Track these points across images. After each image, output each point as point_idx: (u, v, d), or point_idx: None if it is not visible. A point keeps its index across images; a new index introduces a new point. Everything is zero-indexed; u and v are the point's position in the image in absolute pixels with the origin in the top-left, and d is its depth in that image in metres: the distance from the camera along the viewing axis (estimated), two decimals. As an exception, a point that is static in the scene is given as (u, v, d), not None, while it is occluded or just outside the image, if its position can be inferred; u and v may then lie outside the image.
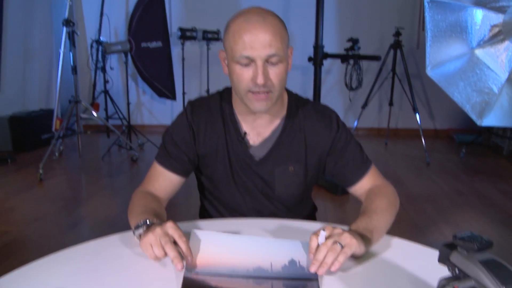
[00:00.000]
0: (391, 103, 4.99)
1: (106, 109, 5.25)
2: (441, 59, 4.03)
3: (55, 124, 4.20)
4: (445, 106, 5.44)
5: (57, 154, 4.44)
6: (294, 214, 1.34)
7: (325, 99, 5.43)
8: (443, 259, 0.69)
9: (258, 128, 1.26)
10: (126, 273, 0.91)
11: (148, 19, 4.99)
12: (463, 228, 2.84)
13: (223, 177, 1.29)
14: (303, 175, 1.28)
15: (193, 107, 1.28)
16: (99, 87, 5.32)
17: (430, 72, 3.82)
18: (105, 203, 3.28)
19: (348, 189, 1.30)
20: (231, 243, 1.01)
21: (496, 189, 3.66)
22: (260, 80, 1.08)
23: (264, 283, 0.87)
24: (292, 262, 0.94)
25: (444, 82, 3.98)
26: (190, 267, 0.92)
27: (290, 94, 1.30)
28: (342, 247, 0.92)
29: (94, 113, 4.36)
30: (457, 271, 0.66)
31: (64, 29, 4.08)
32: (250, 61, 1.09)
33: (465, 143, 4.82)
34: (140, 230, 1.01)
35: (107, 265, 0.94)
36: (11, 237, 2.70)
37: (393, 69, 4.73)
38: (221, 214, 1.37)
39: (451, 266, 0.67)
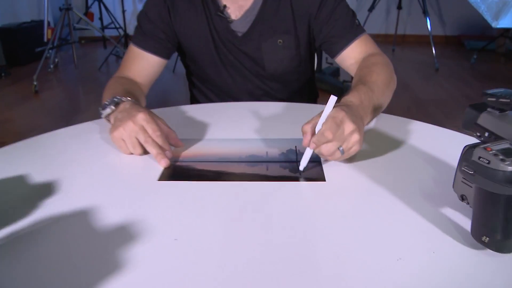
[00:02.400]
0: (399, 7, 4.71)
1: (101, 18, 5.01)
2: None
3: (47, 33, 3.99)
4: (456, 12, 5.17)
5: (52, 66, 4.30)
6: (292, 93, 1.24)
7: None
8: (468, 124, 0.59)
9: (238, 0, 1.11)
10: (100, 158, 0.83)
11: None
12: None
13: (207, 57, 1.17)
14: (295, 47, 1.15)
15: None
16: (92, -5, 5.04)
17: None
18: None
19: (336, 60, 1.13)
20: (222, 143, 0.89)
21: (506, 93, 3.53)
22: None
23: (258, 165, 0.78)
24: (290, 151, 0.84)
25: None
26: (173, 158, 0.82)
27: None
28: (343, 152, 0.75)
29: (89, 22, 4.13)
30: (486, 135, 0.56)
31: None
32: None
33: (476, 49, 4.61)
34: (107, 110, 0.89)
35: (79, 151, 0.85)
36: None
37: (404, -32, 4.41)
38: (211, 100, 1.27)
39: (479, 130, 0.58)
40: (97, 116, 0.94)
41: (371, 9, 4.49)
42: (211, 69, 1.19)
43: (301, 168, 0.76)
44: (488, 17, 3.75)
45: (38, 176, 0.75)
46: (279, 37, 1.12)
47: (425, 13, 4.23)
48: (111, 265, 0.52)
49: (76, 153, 0.84)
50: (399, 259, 0.52)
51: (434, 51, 4.24)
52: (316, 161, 0.79)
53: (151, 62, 1.12)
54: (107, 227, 0.60)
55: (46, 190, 0.70)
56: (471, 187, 0.56)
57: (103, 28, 4.95)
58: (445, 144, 0.87)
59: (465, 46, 5.15)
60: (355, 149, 0.75)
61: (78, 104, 3.55)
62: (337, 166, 0.77)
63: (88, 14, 5.05)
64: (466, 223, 0.59)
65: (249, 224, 0.60)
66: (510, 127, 0.53)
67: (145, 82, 1.13)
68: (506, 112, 0.55)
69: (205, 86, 1.26)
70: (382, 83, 0.95)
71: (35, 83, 3.64)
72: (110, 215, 0.62)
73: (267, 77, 1.20)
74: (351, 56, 1.08)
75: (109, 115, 0.89)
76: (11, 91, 3.77)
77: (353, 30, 1.09)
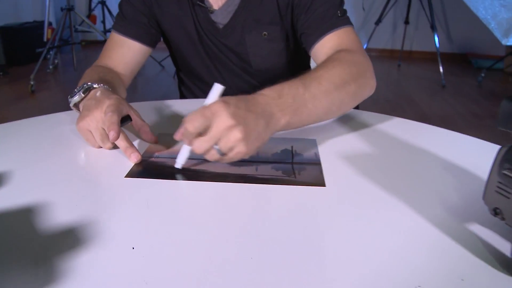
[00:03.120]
0: (406, 21, 4.63)
1: (103, 22, 4.95)
2: (468, -31, 3.65)
3: (47, 33, 3.91)
4: (463, 29, 5.08)
5: (51, 67, 4.21)
6: None
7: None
8: (506, 121, 0.48)
9: None
10: (62, 151, 0.71)
11: None
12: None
13: (191, 50, 1.06)
14: (282, 40, 1.03)
15: None
16: (96, -3, 4.98)
17: (454, -16, 3.46)
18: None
19: (311, 55, 0.97)
20: None
21: (515, 112, 3.43)
22: None
23: (246, 165, 0.66)
24: (285, 151, 0.72)
25: (469, -4, 3.63)
26: (147, 153, 0.71)
27: None
28: (223, 154, 0.62)
29: (91, 24, 4.05)
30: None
31: None
32: None
33: (483, 68, 4.51)
34: (76, 97, 0.78)
35: (40, 143, 0.74)
36: None
37: (412, -18, 4.33)
38: (198, 97, 1.16)
39: (518, 127, 0.46)
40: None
41: (377, 22, 4.40)
42: (197, 63, 1.08)
43: (176, 165, 0.65)
44: (498, 34, 3.67)
45: (-13, 167, 0.63)
46: (264, 29, 1.00)
47: (433, 28, 4.14)
48: (50, 273, 0.40)
49: (36, 145, 0.73)
50: (418, 287, 0.40)
51: (441, 68, 4.14)
52: (315, 163, 0.68)
53: (133, 49, 1.00)
54: (53, 228, 0.48)
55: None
56: (508, 198, 0.45)
57: (105, 31, 4.87)
58: (465, 150, 0.75)
59: (472, 64, 5.06)
60: (238, 151, 0.60)
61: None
62: (341, 171, 0.65)
63: (91, 16, 4.98)
64: (501, 243, 0.47)
65: (229, 235, 0.48)
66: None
67: (126, 72, 1.00)
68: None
69: (192, 81, 1.15)
70: (329, 81, 0.75)
71: (32, 82, 3.55)
72: (59, 215, 0.51)
73: (255, 73, 1.08)
74: (322, 51, 0.91)
75: (78, 103, 0.78)
76: (8, 90, 3.68)
77: (331, 21, 0.92)
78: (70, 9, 3.83)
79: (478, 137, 0.79)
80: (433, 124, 0.87)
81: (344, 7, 0.97)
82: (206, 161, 0.66)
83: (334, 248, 0.46)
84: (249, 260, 0.44)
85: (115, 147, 0.71)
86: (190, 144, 0.61)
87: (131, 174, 0.63)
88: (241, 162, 0.66)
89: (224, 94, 1.09)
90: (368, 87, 0.85)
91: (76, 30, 4.31)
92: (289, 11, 0.99)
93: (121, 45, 1.00)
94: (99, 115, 0.68)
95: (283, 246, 0.46)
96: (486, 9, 3.67)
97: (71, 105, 0.79)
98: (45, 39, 3.91)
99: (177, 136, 0.62)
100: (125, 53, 1.00)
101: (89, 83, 0.78)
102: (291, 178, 0.62)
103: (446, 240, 0.48)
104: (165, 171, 0.64)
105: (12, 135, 0.77)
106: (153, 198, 0.56)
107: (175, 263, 0.43)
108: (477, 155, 0.73)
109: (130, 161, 0.66)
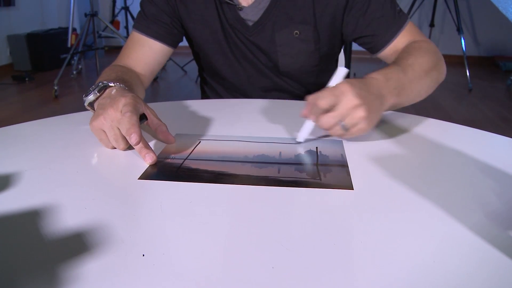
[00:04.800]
0: (432, 24, 4.53)
1: (126, 27, 4.99)
2: (496, -31, 3.55)
3: (71, 38, 3.96)
4: (490, 32, 4.96)
5: (75, 72, 4.26)
6: (312, 91, 1.07)
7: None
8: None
9: None
10: (74, 152, 0.68)
11: None
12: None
13: (216, 48, 1.03)
14: (313, 41, 0.98)
15: None
16: (119, 3, 5.02)
17: (482, -16, 3.37)
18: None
19: (378, 55, 0.98)
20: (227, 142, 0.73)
21: (547, 116, 3.31)
22: None
23: (268, 167, 0.62)
24: (310, 152, 0.69)
25: (498, -4, 3.53)
26: (163, 154, 0.68)
27: None
28: (347, 129, 0.67)
29: (114, 30, 4.07)
30: None
31: None
32: None
33: (512, 70, 4.39)
34: (91, 96, 0.75)
35: (52, 144, 0.71)
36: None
37: (438, -17, 4.24)
38: (221, 97, 1.12)
39: None
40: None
41: (402, 25, 4.32)
42: (221, 62, 1.05)
43: (298, 139, 0.71)
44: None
45: (-2, 168, 0.61)
46: (296, 28, 0.96)
47: (460, 31, 4.03)
48: (56, 280, 0.37)
49: (48, 146, 0.71)
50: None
51: (468, 70, 4.03)
52: (341, 165, 0.63)
53: (154, 48, 0.98)
54: (61, 232, 0.45)
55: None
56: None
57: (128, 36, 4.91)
58: (502, 152, 0.70)
59: (500, 68, 4.92)
60: (361, 127, 0.67)
61: (96, 111, 3.47)
62: (370, 173, 0.61)
63: (114, 22, 5.03)
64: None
65: (248, 242, 0.44)
66: None
67: (146, 72, 0.98)
68: None
69: (216, 81, 1.12)
70: (420, 67, 0.83)
71: (55, 87, 3.60)
72: (68, 218, 0.48)
73: (282, 73, 1.04)
74: (396, 50, 0.94)
75: (92, 102, 0.75)
76: (32, 95, 3.74)
77: (396, 21, 0.93)
78: (93, 15, 3.87)
79: None
80: (462, 128, 0.82)
81: None
82: (228, 162, 0.63)
83: (363, 256, 0.42)
84: (270, 269, 0.40)
85: (129, 147, 0.68)
86: (317, 120, 0.68)
87: (145, 175, 0.59)
88: (263, 164, 0.63)
89: (248, 93, 1.06)
90: (444, 72, 0.93)
91: (99, 36, 4.35)
92: (328, 12, 0.95)
93: (141, 45, 0.98)
94: (114, 114, 0.65)
95: (307, 254, 0.42)
96: (515, 10, 3.56)
97: (85, 104, 0.77)
98: (69, 45, 3.95)
99: (304, 112, 0.70)
100: (145, 52, 0.98)
101: (104, 82, 0.75)
102: (316, 181, 0.58)
103: (487, 248, 0.43)
104: (183, 173, 0.60)
105: (25, 136, 0.75)
106: (168, 202, 0.52)
107: (188, 272, 0.39)
108: (517, 157, 0.67)
109: (145, 162, 0.63)
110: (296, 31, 0.97)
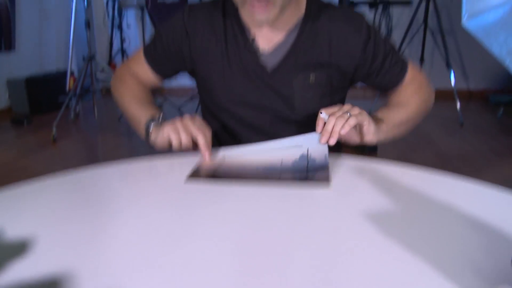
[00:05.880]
0: (421, 59, 4.66)
1: (123, 69, 5.09)
2: (480, 7, 3.66)
3: (69, 82, 4.05)
4: (479, 66, 5.09)
5: (72, 115, 4.32)
6: None
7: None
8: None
9: (269, 33, 1.04)
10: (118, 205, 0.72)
11: (165, -27, 4.74)
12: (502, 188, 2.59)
13: (227, 91, 1.10)
14: (326, 86, 1.07)
15: (191, 10, 1.09)
16: (116, 46, 5.15)
17: (466, 22, 3.47)
18: (121, 161, 3.10)
19: (387, 93, 1.17)
20: (241, 153, 0.97)
21: (538, 148, 3.37)
22: None
23: (273, 174, 0.85)
24: (302, 157, 0.90)
25: (482, 33, 3.64)
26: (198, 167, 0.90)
27: None
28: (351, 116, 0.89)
29: (111, 71, 4.17)
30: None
31: (79, -16, 3.86)
32: None
33: (502, 104, 4.49)
34: (151, 126, 0.99)
35: (64, 203, 0.76)
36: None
37: (425, 21, 4.36)
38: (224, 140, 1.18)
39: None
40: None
41: (392, 62, 4.43)
42: (231, 104, 1.11)
43: (322, 115, 0.91)
44: (514, 70, 3.66)
45: (10, 230, 0.65)
46: (311, 72, 1.05)
47: (449, 66, 4.15)
48: None
49: (62, 205, 0.75)
50: None
51: (458, 105, 4.12)
52: (323, 167, 0.86)
53: (149, 75, 1.17)
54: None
55: (14, 250, 0.60)
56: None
57: (125, 78, 5.01)
58: (492, 204, 0.74)
59: (490, 101, 5.04)
60: (362, 112, 0.92)
61: (95, 154, 3.51)
62: (358, 227, 0.65)
63: (111, 64, 5.14)
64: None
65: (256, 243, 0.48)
66: None
67: (147, 84, 1.20)
68: None
69: (220, 123, 1.16)
70: (406, 102, 1.11)
71: (54, 131, 3.64)
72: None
73: (295, 116, 1.10)
74: (402, 88, 1.13)
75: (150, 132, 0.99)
76: (30, 139, 3.79)
77: (403, 67, 1.11)
78: (91, 58, 3.97)
79: (500, 175, 0.78)
80: (453, 164, 0.88)
81: None
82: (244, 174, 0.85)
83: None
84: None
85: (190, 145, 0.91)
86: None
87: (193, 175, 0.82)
88: (268, 171, 0.86)
89: (260, 135, 1.12)
90: (432, 101, 1.16)
91: (97, 79, 4.44)
92: (342, 61, 1.05)
93: (142, 66, 1.17)
94: (188, 117, 0.93)
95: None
96: (500, 45, 3.68)
97: (144, 127, 1.01)
98: (67, 89, 4.04)
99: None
100: (144, 73, 1.18)
101: (150, 120, 1.00)
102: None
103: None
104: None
105: (37, 194, 0.79)
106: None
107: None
108: (507, 209, 0.72)
109: (204, 158, 0.91)
110: (312, 77, 1.05)
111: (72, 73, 4.33)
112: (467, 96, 5.30)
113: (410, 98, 1.11)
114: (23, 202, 0.76)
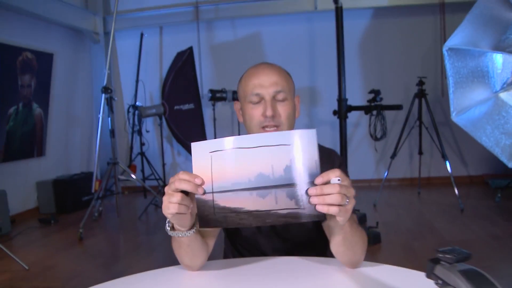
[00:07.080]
0: (420, 152, 5.00)
1: (142, 170, 5.48)
2: (466, 104, 4.07)
3: (95, 185, 4.42)
4: (477, 152, 5.39)
5: (96, 214, 4.63)
6: (308, 251, 1.32)
7: (355, 152, 5.51)
8: (429, 274, 0.75)
9: None
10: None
11: (180, 83, 5.30)
12: (502, 274, 2.77)
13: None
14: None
15: None
16: (136, 149, 5.59)
17: (455, 118, 3.85)
18: (142, 259, 3.38)
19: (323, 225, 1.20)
20: (231, 155, 0.96)
21: (535, 232, 3.56)
22: (269, 112, 1.20)
23: (268, 194, 0.92)
24: (288, 167, 0.93)
25: (471, 127, 4.00)
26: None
27: None
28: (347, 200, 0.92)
29: (133, 175, 4.56)
30: (440, 283, 0.72)
31: (103, 95, 4.37)
32: (260, 98, 1.22)
33: (500, 187, 4.74)
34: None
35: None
36: (53, 292, 2.81)
37: (419, 118, 4.78)
38: (241, 255, 1.40)
39: (436, 278, 0.74)
40: (134, 266, 1.08)
41: (393, 156, 4.73)
42: (247, 232, 1.33)
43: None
44: (503, 158, 3.93)
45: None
46: None
47: (444, 157, 4.47)
48: None
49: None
50: None
51: (457, 192, 4.38)
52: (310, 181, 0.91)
53: None
54: None
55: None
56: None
57: (144, 179, 5.38)
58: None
59: (489, 185, 5.28)
60: (353, 201, 0.93)
61: (118, 252, 3.76)
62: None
63: (131, 166, 5.54)
64: None
65: None
66: (455, 277, 0.69)
67: None
68: (454, 264, 0.72)
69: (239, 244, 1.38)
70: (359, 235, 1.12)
71: (81, 230, 3.92)
72: None
73: (290, 238, 1.31)
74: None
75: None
76: (58, 238, 4.07)
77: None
78: (115, 163, 4.37)
79: (500, 260, 0.93)
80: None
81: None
82: (235, 193, 0.94)
83: None
84: None
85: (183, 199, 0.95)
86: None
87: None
88: (262, 191, 0.93)
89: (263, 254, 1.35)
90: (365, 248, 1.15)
91: (119, 180, 4.80)
92: None
93: None
94: (167, 187, 0.97)
95: None
96: (488, 137, 4.02)
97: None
98: (93, 191, 4.40)
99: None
100: None
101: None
102: (299, 211, 0.91)
103: None
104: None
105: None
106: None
107: None
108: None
109: (197, 192, 0.94)
110: None
111: (96, 176, 4.73)
112: (467, 181, 5.56)
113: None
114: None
